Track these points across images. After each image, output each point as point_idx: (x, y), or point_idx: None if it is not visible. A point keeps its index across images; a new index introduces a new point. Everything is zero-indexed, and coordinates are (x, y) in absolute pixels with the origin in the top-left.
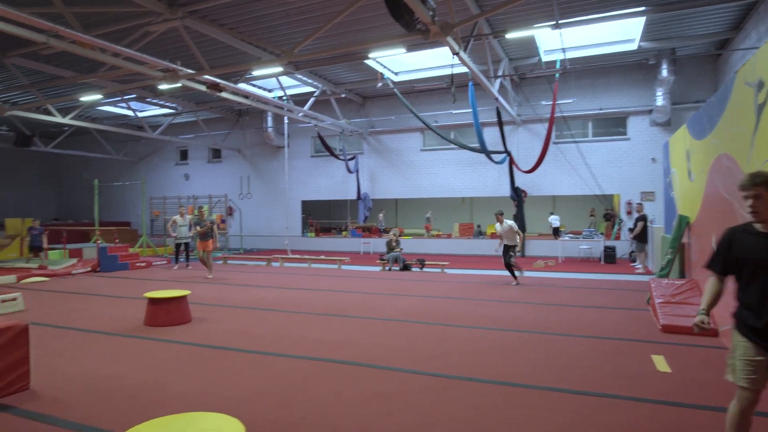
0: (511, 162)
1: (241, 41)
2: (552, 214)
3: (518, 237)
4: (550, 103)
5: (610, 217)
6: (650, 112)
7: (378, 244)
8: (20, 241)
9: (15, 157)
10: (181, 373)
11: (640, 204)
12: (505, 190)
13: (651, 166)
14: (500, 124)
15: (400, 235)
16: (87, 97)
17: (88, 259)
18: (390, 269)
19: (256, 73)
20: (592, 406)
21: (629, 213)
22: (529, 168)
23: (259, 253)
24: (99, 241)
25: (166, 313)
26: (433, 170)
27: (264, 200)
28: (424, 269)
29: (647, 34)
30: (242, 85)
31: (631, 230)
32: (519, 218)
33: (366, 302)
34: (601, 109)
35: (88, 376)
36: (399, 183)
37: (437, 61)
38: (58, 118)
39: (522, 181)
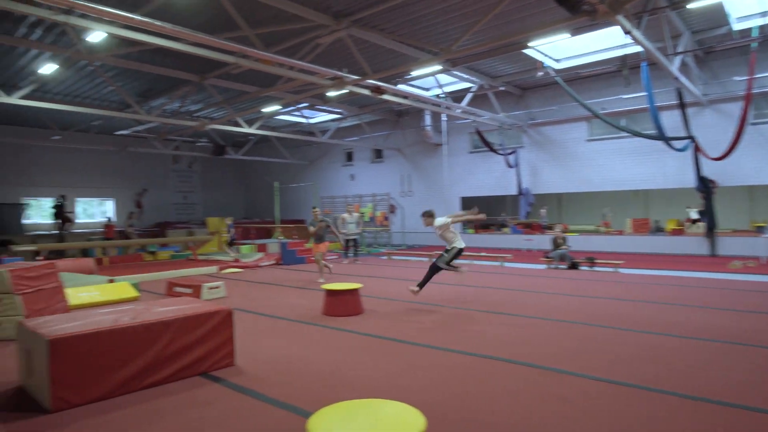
0: (696, 148)
1: (400, 43)
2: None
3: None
4: (746, 78)
5: None
6: None
7: (541, 241)
8: (218, 237)
9: (213, 164)
10: (359, 360)
11: None
12: (689, 181)
13: None
14: (682, 106)
15: (564, 232)
16: (268, 109)
17: (272, 253)
18: (556, 267)
19: (414, 73)
20: None
21: None
22: (719, 155)
23: (422, 249)
24: (280, 237)
25: (342, 304)
26: (601, 161)
27: (424, 197)
28: (595, 268)
29: None
30: (402, 86)
31: None
32: (708, 212)
33: (531, 300)
34: None
35: (280, 357)
36: (562, 176)
37: (604, 43)
38: (246, 129)
39: (711, 169)
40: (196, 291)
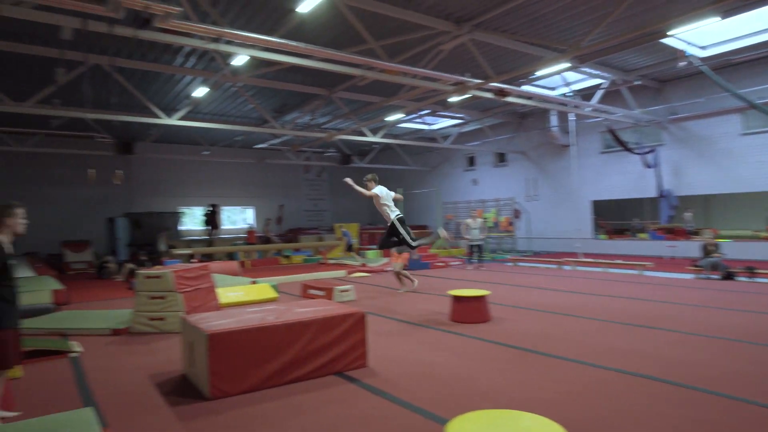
0: None
1: (523, 43)
2: None
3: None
4: None
5: None
6: None
7: (686, 248)
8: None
9: (340, 173)
10: (489, 368)
11: None
12: None
13: None
14: None
15: (714, 238)
16: (391, 117)
17: None
18: (707, 277)
19: (539, 73)
20: None
21: None
22: None
23: (548, 255)
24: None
25: (469, 311)
26: (762, 158)
27: (551, 201)
28: (756, 279)
29: None
30: (525, 87)
31: None
32: None
33: (679, 314)
34: None
35: (410, 361)
36: (711, 176)
37: (760, 24)
38: (370, 138)
39: None
40: (328, 293)
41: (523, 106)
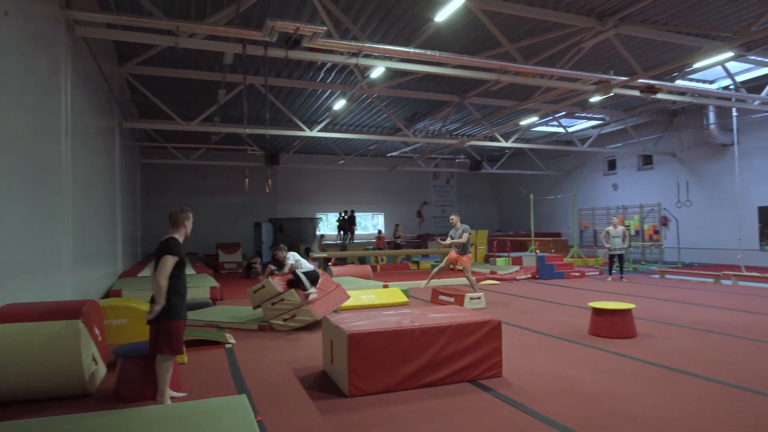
0: None
1: (677, 34)
2: None
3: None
4: None
5: None
6: None
7: None
8: (474, 249)
9: (468, 179)
10: (636, 389)
11: None
12: None
13: None
14: None
15: None
16: (525, 121)
17: (527, 267)
18: None
19: (697, 65)
20: None
21: None
22: None
23: (702, 267)
24: (537, 251)
25: (611, 325)
26: None
27: (705, 208)
28: None
29: None
30: (679, 82)
31: None
32: None
33: None
34: None
35: (547, 374)
36: None
37: None
38: (503, 143)
39: None
40: (458, 300)
41: (675, 103)
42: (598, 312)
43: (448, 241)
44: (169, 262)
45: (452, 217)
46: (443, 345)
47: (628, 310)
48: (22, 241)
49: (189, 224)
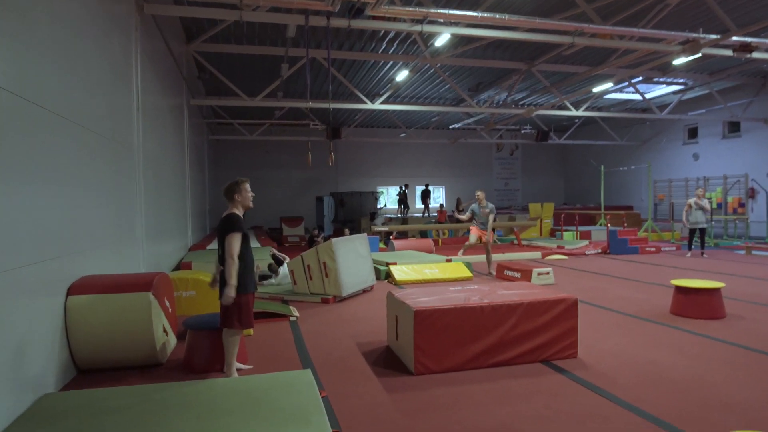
0: None
1: None
2: None
3: None
4: None
5: None
6: None
7: None
8: (540, 222)
9: (533, 150)
10: (729, 375)
11: None
12: None
13: None
14: None
15: None
16: (598, 88)
17: (597, 241)
18: None
19: None
20: None
21: None
22: None
23: None
24: (608, 225)
25: (697, 305)
26: None
27: None
28: None
29: None
30: None
31: None
32: None
33: None
34: None
35: (626, 357)
36: None
37: None
38: (573, 112)
39: None
40: (525, 275)
41: None
42: (681, 290)
43: (468, 215)
44: (235, 240)
45: (478, 192)
46: (515, 323)
47: (717, 289)
48: (99, 216)
49: (246, 195)
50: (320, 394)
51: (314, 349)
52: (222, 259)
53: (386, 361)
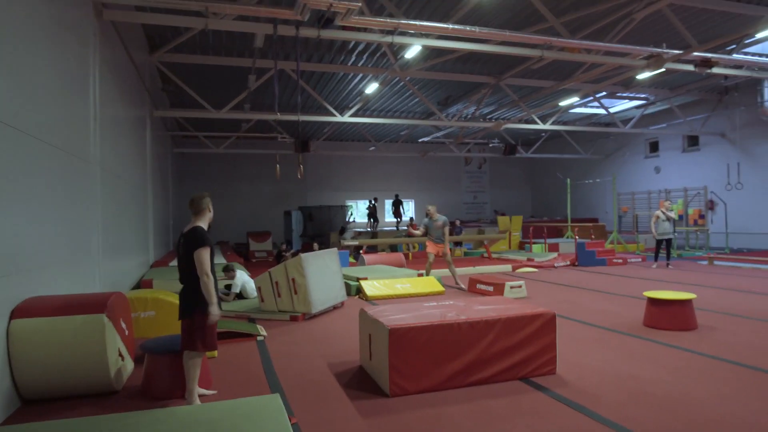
0: None
1: (736, 2)
2: None
3: None
4: None
5: None
6: None
7: None
8: (509, 235)
9: (501, 164)
10: (711, 389)
11: None
12: None
13: None
14: None
15: None
16: (564, 102)
17: (565, 253)
18: None
19: (759, 35)
20: None
21: None
22: None
23: (752, 254)
24: (576, 237)
25: (668, 316)
26: None
27: (759, 191)
28: None
29: None
30: (736, 56)
31: None
32: None
33: None
34: None
35: (606, 372)
36: None
37: None
38: (540, 126)
39: None
40: (498, 289)
41: (727, 78)
42: (654, 302)
43: (422, 230)
44: (205, 255)
45: (429, 207)
46: (492, 340)
47: (689, 300)
48: (50, 231)
49: (211, 210)
50: (290, 421)
51: (283, 371)
52: (184, 278)
53: (360, 383)
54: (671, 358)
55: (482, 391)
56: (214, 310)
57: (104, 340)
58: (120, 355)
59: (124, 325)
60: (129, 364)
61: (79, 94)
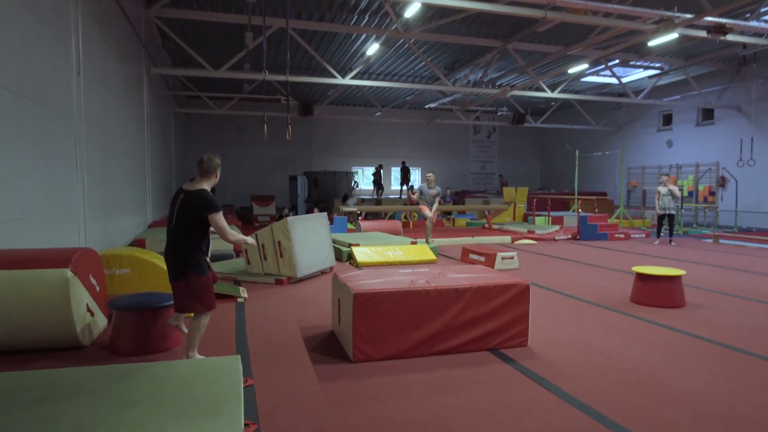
0: None
1: None
2: None
3: None
4: None
5: None
6: None
7: None
8: (513, 207)
9: (510, 134)
10: (684, 367)
11: None
12: None
13: None
14: None
15: None
16: (573, 69)
17: (568, 227)
18: None
19: None
20: None
21: None
22: None
23: (760, 233)
24: (579, 211)
25: (657, 293)
26: None
27: None
28: None
29: None
30: (754, 23)
31: None
32: None
33: None
34: None
35: (578, 346)
36: None
37: None
38: (548, 94)
39: None
40: (489, 260)
41: (745, 47)
42: (642, 277)
43: (417, 194)
44: (222, 220)
45: (429, 174)
46: (462, 309)
47: (677, 277)
48: (25, 183)
49: (218, 176)
50: (246, 382)
51: (254, 333)
52: (175, 236)
53: (327, 348)
54: (649, 334)
55: (448, 360)
56: (251, 240)
57: (68, 295)
58: (89, 310)
59: (94, 281)
60: (101, 321)
61: (56, 45)
